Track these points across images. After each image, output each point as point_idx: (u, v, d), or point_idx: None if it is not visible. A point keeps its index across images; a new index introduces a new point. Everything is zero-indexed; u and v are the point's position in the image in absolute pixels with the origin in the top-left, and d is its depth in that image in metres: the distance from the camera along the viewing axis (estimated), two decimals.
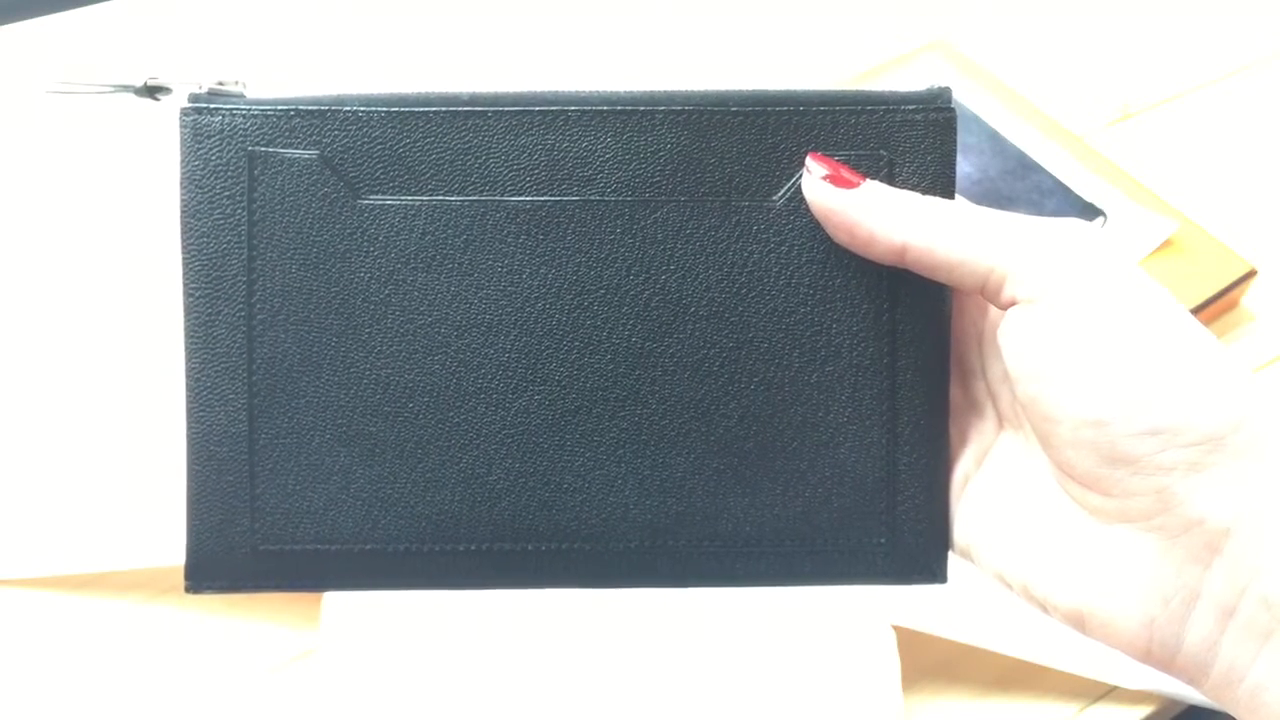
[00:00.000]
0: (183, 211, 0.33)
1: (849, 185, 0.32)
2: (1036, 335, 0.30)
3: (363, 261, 0.33)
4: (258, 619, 0.53)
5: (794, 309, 0.33)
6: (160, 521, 0.52)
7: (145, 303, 0.62)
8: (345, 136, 0.33)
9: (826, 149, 0.33)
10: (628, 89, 0.33)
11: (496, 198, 0.33)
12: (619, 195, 0.33)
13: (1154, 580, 0.29)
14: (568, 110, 0.33)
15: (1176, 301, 0.30)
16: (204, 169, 0.33)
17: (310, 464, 0.33)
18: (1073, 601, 0.30)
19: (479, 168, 0.33)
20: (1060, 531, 0.31)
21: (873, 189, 0.32)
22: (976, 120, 0.71)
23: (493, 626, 0.50)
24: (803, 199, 0.33)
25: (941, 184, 0.33)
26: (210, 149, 0.33)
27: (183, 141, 0.33)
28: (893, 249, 0.32)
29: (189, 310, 0.33)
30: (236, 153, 0.33)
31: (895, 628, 0.51)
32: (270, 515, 0.33)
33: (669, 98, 0.33)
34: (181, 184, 0.33)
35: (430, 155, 0.33)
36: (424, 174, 0.33)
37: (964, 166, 0.68)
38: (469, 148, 0.33)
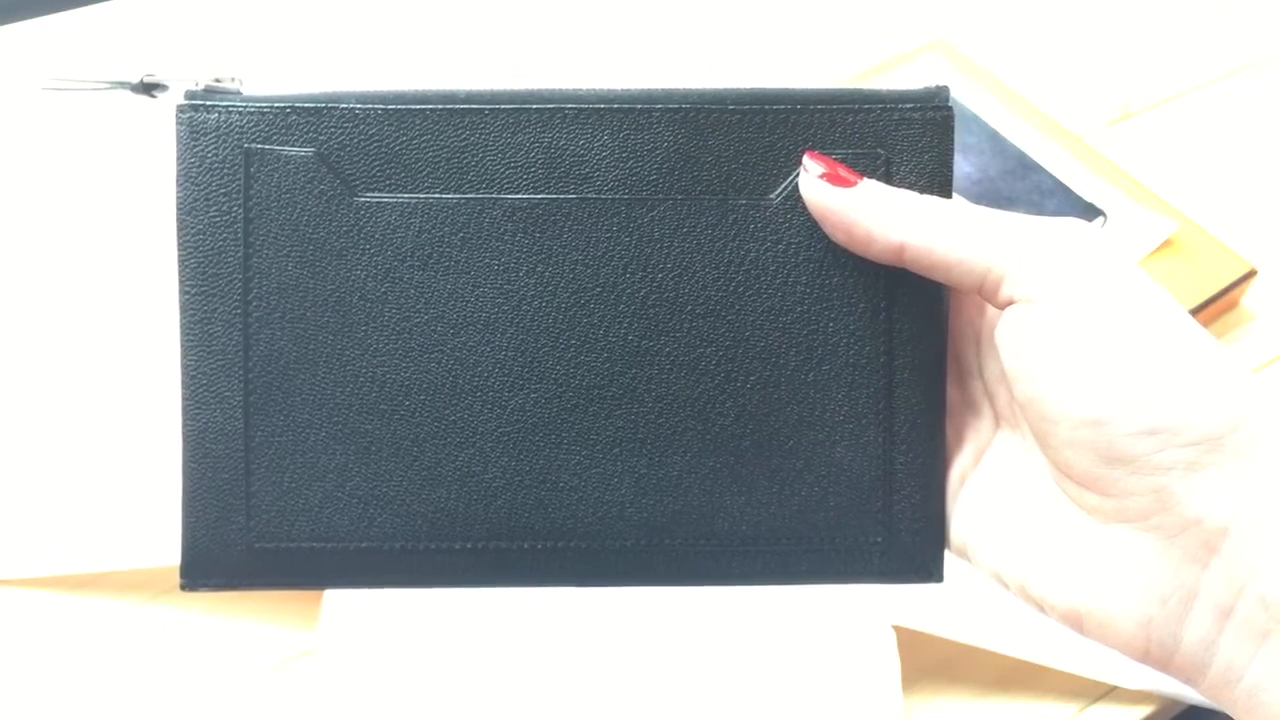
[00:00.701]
0: (179, 209, 0.33)
1: (846, 184, 0.32)
2: (1034, 335, 0.30)
3: (359, 259, 0.33)
4: (257, 619, 0.53)
5: (791, 307, 0.33)
6: (159, 521, 0.52)
7: (142, 300, 0.62)
8: (342, 134, 0.33)
9: (824, 147, 0.33)
10: (625, 87, 0.33)
11: (493, 196, 0.33)
12: (616, 193, 0.33)
13: (1151, 580, 0.29)
14: (565, 108, 0.33)
15: (1175, 301, 0.30)
16: (200, 166, 0.33)
17: (306, 461, 0.33)
18: (1070, 601, 0.30)
19: (476, 165, 0.33)
20: (1057, 531, 0.31)
21: (870, 188, 0.32)
22: (976, 120, 0.70)
23: (491, 626, 0.50)
24: (800, 197, 0.33)
25: (939, 183, 0.33)
26: (206, 146, 0.33)
27: (179, 138, 0.33)
28: (890, 248, 0.32)
29: (185, 307, 0.33)
30: (232, 150, 0.33)
31: (895, 628, 0.51)
32: (266, 513, 0.33)
33: (666, 96, 0.33)
34: (178, 181, 0.33)
35: (427, 153, 0.33)
36: (421, 172, 0.33)
37: (964, 166, 0.68)
38: (466, 145, 0.33)
